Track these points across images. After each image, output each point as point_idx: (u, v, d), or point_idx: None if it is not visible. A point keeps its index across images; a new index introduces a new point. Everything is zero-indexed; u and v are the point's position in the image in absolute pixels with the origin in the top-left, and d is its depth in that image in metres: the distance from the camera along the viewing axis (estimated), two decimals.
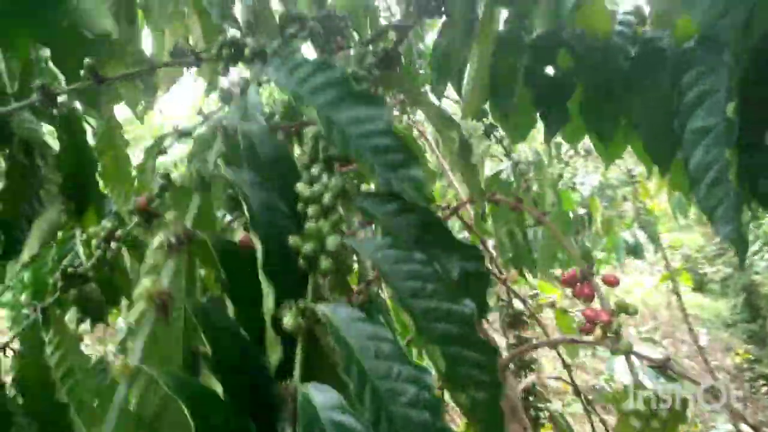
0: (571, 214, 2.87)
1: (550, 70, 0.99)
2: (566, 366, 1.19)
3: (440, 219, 0.51)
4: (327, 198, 0.47)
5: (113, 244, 0.89)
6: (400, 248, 0.45)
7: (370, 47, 1.04)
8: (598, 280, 0.70)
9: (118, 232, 0.89)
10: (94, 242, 0.90)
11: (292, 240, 0.44)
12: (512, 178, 1.85)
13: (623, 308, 0.67)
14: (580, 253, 1.51)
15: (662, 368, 0.78)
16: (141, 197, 0.89)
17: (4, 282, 1.04)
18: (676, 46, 0.73)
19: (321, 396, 0.36)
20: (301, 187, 0.49)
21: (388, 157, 0.49)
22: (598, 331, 0.65)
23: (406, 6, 1.04)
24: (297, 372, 0.38)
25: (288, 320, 0.39)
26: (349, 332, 0.39)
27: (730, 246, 0.61)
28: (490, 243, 1.66)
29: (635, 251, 3.31)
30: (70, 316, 1.38)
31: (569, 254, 0.75)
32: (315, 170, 0.50)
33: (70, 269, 0.87)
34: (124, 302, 1.18)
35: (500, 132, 1.69)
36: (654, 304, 6.52)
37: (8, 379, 0.81)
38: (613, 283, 0.72)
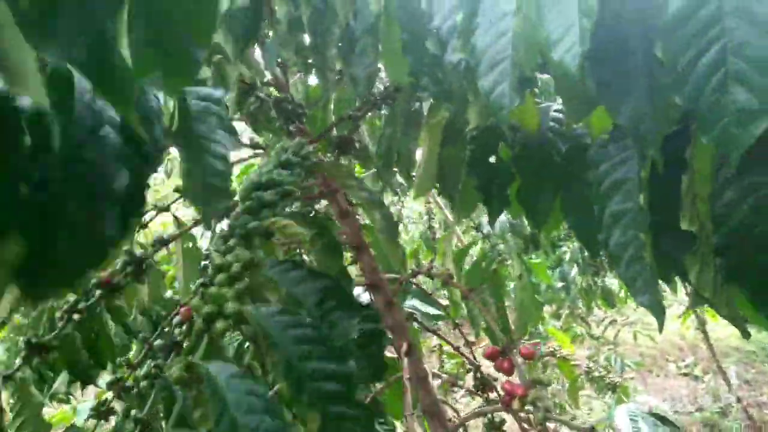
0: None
1: (492, 159, 1.06)
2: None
3: (341, 285, 0.55)
4: (235, 267, 0.51)
5: (76, 316, 0.94)
6: (291, 314, 0.48)
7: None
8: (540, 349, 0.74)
9: (81, 305, 0.94)
10: (57, 314, 0.94)
11: (194, 302, 0.48)
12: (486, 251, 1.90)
13: (538, 381, 0.70)
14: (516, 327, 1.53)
15: None
16: (105, 273, 0.94)
17: None
18: (593, 140, 0.81)
19: None
20: (214, 255, 0.53)
21: None
22: (516, 403, 0.68)
23: (360, 100, 1.13)
24: (172, 419, 0.42)
25: (174, 371, 0.43)
26: (227, 387, 0.42)
27: (649, 311, 0.67)
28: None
29: None
30: (62, 378, 1.42)
31: (492, 329, 0.78)
32: (232, 242, 0.55)
33: (33, 340, 0.91)
34: None
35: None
36: (693, 339, 6.31)
37: None
38: (529, 356, 0.75)
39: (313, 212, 1.17)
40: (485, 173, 1.05)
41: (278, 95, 1.13)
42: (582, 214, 0.91)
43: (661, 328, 0.69)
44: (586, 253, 3.13)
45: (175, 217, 1.54)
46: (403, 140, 1.09)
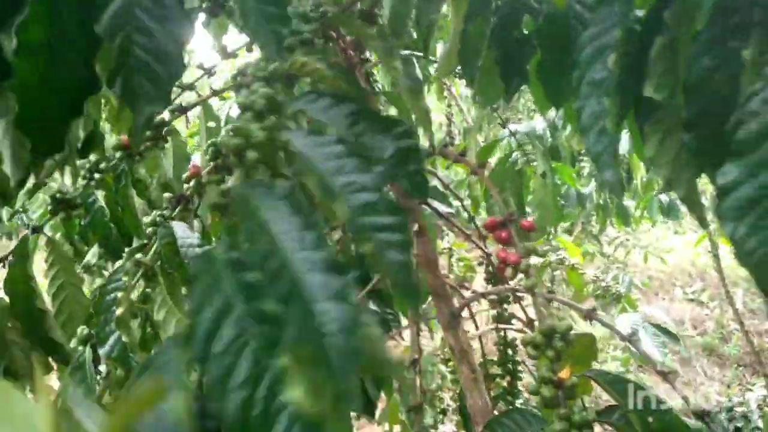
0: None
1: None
2: (530, 321, 1.25)
3: (370, 107, 0.56)
4: (258, 104, 0.53)
5: (97, 175, 0.98)
6: (319, 134, 0.50)
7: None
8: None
9: (102, 165, 0.98)
10: (81, 173, 0.98)
11: (221, 139, 0.51)
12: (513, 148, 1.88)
13: (531, 250, 0.73)
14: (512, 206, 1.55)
15: (588, 317, 0.83)
16: (124, 136, 0.98)
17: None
18: None
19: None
20: (239, 98, 0.54)
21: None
22: (509, 271, 0.72)
23: None
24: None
25: (212, 196, 0.46)
26: (262, 203, 0.44)
27: (608, 188, 0.66)
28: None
29: (668, 212, 3.23)
30: (93, 251, 1.50)
31: (500, 206, 0.81)
32: (255, 86, 0.57)
33: (59, 195, 0.96)
34: None
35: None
36: (703, 265, 6.47)
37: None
38: (527, 227, 0.78)
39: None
40: (507, 47, 1.04)
41: None
42: None
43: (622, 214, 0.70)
44: None
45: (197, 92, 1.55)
46: (423, 8, 1.07)
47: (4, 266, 0.92)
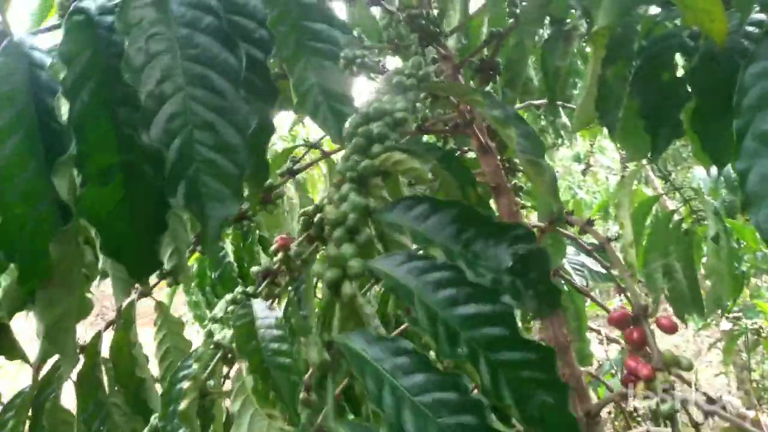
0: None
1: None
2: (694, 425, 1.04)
3: (475, 209, 0.48)
4: (350, 219, 0.48)
5: None
6: (420, 258, 0.44)
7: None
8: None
9: None
10: None
11: (315, 267, 0.46)
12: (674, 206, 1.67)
13: (673, 362, 0.59)
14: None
15: None
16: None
17: None
18: None
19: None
20: (328, 209, 0.50)
21: None
22: (640, 387, 0.59)
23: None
24: (328, 410, 0.41)
25: (313, 356, 0.42)
26: (373, 355, 0.40)
27: None
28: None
29: None
30: (221, 305, 1.59)
31: (632, 293, 0.67)
32: (345, 189, 0.51)
33: None
34: None
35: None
36: None
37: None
38: (668, 328, 0.64)
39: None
40: (653, 94, 0.91)
41: (413, 10, 1.05)
42: None
43: None
44: None
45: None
46: (547, 56, 0.98)
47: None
